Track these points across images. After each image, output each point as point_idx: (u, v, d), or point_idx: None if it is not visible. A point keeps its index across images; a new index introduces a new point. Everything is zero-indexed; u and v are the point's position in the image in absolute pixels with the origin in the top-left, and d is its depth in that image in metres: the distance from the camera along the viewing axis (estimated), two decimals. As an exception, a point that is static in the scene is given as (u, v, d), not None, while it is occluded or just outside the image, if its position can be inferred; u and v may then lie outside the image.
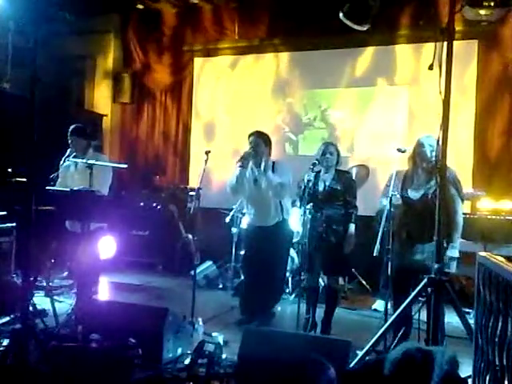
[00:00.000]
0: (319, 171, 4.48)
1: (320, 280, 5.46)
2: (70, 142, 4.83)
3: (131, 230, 7.38)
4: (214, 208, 6.97)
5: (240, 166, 4.68)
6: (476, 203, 5.86)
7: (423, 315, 3.56)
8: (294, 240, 6.22)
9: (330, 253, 4.36)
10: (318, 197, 4.40)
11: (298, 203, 4.56)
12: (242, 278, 5.63)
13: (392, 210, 3.95)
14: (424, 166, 3.94)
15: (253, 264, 4.97)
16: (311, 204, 4.33)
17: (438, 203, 3.20)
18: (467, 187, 6.00)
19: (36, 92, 3.24)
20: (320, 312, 4.60)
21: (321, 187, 4.44)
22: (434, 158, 3.80)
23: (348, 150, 7.32)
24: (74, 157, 4.73)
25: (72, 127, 4.90)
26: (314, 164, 4.40)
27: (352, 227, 4.39)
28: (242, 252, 5.61)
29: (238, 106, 8.02)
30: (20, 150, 3.38)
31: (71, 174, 4.87)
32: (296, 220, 5.90)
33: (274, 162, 4.91)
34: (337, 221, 4.40)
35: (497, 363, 2.00)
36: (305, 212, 4.27)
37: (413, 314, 3.56)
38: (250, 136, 4.82)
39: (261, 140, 4.78)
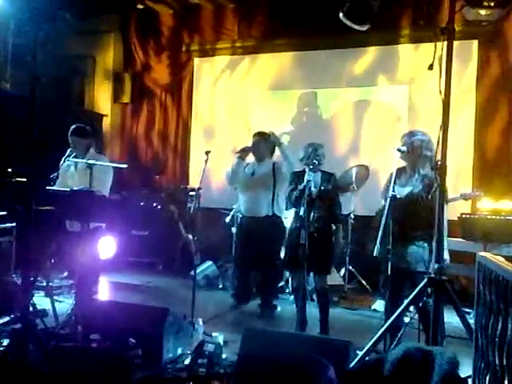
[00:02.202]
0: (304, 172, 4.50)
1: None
2: (70, 142, 4.81)
3: (131, 230, 7.37)
4: (214, 208, 6.97)
5: (238, 157, 5.15)
6: (476, 203, 5.86)
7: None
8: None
9: (320, 252, 4.41)
10: (312, 197, 4.43)
11: (297, 202, 4.55)
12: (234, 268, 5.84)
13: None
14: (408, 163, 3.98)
15: (244, 255, 5.32)
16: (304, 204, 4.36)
17: (438, 203, 3.20)
18: (466, 187, 6.01)
19: (36, 92, 3.23)
20: (316, 312, 4.61)
21: (311, 187, 4.46)
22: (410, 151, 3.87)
23: (348, 150, 7.33)
24: (75, 157, 4.73)
25: (72, 127, 4.89)
26: (313, 164, 4.41)
27: (339, 227, 4.53)
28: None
29: (237, 105, 8.02)
30: (20, 149, 3.38)
31: (71, 174, 4.86)
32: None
33: (274, 163, 5.17)
34: (326, 221, 4.50)
35: (497, 363, 2.00)
36: (304, 212, 4.29)
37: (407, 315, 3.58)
38: (253, 136, 5.31)
39: (262, 140, 5.21)
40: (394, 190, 3.80)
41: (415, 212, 3.86)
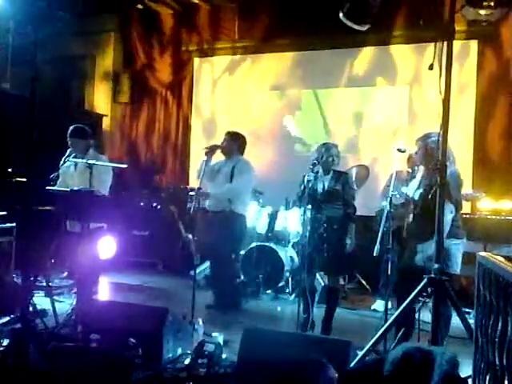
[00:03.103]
0: (317, 172, 4.47)
1: (320, 280, 5.48)
2: (69, 143, 4.83)
3: (131, 230, 7.37)
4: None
5: (205, 154, 5.28)
6: (476, 203, 5.86)
7: (423, 315, 3.57)
8: (294, 240, 6.26)
9: (331, 253, 4.37)
10: (318, 197, 4.41)
11: (297, 203, 4.56)
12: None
13: (392, 210, 3.96)
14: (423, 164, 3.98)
15: (203, 250, 5.55)
16: (311, 205, 4.33)
17: (438, 203, 3.20)
18: (467, 188, 6.01)
19: (36, 92, 3.24)
20: (319, 312, 4.60)
21: (320, 188, 4.44)
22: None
23: (348, 150, 7.31)
24: (75, 157, 4.74)
25: (70, 128, 4.90)
26: (314, 164, 4.40)
27: (352, 227, 4.43)
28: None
29: (237, 105, 8.02)
30: (20, 149, 3.38)
31: (71, 174, 4.87)
32: (295, 220, 5.93)
33: (238, 160, 5.40)
34: (337, 221, 4.42)
35: (497, 363, 2.00)
36: (305, 212, 4.28)
37: (416, 314, 3.56)
38: (225, 135, 5.58)
39: (230, 139, 5.48)
40: (393, 191, 3.81)
41: (430, 210, 3.84)
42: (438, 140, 3.21)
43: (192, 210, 5.03)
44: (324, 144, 4.63)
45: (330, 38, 7.13)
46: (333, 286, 4.58)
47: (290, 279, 6.11)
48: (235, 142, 5.48)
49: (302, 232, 4.35)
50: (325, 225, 4.38)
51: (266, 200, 6.61)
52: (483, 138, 6.69)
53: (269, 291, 6.10)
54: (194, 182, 7.47)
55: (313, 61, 7.55)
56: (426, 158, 3.89)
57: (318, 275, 5.31)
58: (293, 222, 6.15)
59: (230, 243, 5.36)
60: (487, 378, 2.13)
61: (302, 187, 4.34)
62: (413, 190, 3.97)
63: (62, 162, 4.84)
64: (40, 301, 4.41)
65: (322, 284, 5.40)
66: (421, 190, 3.92)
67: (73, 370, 3.04)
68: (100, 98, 8.71)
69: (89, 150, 4.89)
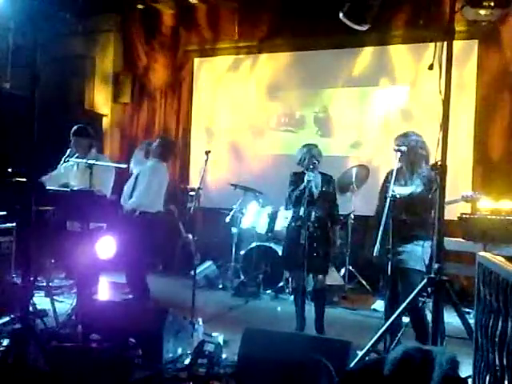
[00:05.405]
0: (304, 173, 4.50)
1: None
2: (72, 142, 4.84)
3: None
4: (214, 208, 6.97)
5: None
6: (476, 203, 5.86)
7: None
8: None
9: (320, 252, 4.43)
10: (313, 198, 4.44)
11: (293, 202, 4.57)
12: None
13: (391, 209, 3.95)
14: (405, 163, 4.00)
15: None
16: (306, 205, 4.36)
17: (438, 203, 3.20)
18: (466, 187, 6.01)
19: (36, 92, 3.24)
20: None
21: (312, 188, 4.47)
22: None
23: (348, 150, 7.33)
24: (77, 157, 4.75)
25: (74, 128, 4.92)
26: (313, 164, 4.42)
27: (337, 228, 4.55)
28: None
29: (237, 105, 8.02)
30: (20, 149, 3.38)
31: (73, 174, 4.87)
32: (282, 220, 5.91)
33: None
34: (325, 221, 4.51)
35: (497, 363, 2.00)
36: (305, 211, 4.29)
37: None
38: None
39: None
40: (393, 190, 3.81)
41: (415, 211, 3.88)
42: (438, 140, 3.20)
43: (192, 209, 5.03)
44: (305, 145, 4.68)
45: (330, 38, 7.13)
46: (320, 286, 4.59)
47: (289, 279, 6.10)
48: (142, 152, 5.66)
49: (298, 231, 4.37)
50: (316, 224, 4.42)
51: (266, 200, 6.62)
52: (483, 137, 6.68)
53: (269, 291, 6.10)
54: (194, 182, 7.49)
55: (313, 61, 7.54)
56: (411, 158, 3.92)
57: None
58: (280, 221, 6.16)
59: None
60: (487, 378, 2.14)
61: (303, 187, 4.37)
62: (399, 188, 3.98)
63: (61, 162, 4.85)
64: (40, 301, 4.42)
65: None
66: (410, 189, 3.93)
67: (73, 370, 3.04)
68: (100, 98, 8.71)
69: (91, 149, 4.89)
